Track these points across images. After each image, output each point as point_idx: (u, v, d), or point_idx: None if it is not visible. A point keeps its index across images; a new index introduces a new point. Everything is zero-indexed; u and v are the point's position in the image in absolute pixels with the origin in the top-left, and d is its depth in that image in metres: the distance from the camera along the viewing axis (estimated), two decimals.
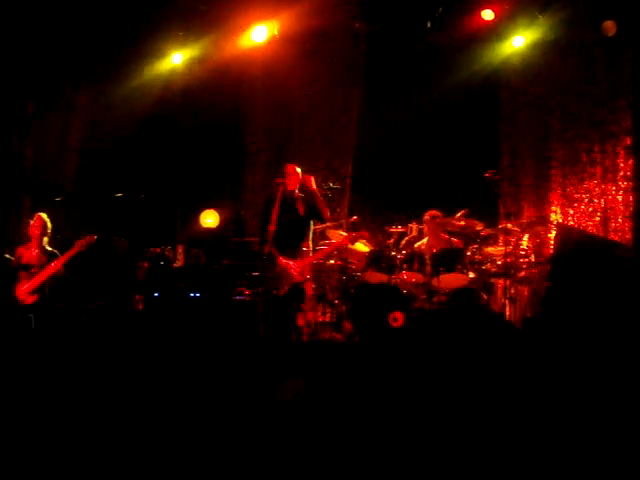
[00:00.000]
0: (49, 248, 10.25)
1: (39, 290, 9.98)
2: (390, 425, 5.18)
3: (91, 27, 12.68)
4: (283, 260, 9.38)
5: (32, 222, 10.29)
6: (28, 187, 12.64)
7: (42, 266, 10.00)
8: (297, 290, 9.43)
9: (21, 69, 12.59)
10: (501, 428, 5.34)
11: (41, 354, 8.57)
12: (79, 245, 10.04)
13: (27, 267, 10.04)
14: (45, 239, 10.28)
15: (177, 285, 11.52)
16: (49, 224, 10.33)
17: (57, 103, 13.23)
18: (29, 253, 10.18)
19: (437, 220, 11.08)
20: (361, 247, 11.27)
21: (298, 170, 9.74)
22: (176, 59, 13.14)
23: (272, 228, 9.35)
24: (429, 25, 12.61)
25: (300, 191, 9.64)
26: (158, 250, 12.25)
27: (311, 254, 9.71)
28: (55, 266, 9.94)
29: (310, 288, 9.68)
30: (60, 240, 10.60)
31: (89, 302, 11.08)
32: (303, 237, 9.61)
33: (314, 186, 9.73)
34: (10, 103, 12.58)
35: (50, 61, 12.83)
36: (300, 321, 9.52)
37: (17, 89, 12.61)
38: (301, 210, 9.57)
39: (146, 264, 12.29)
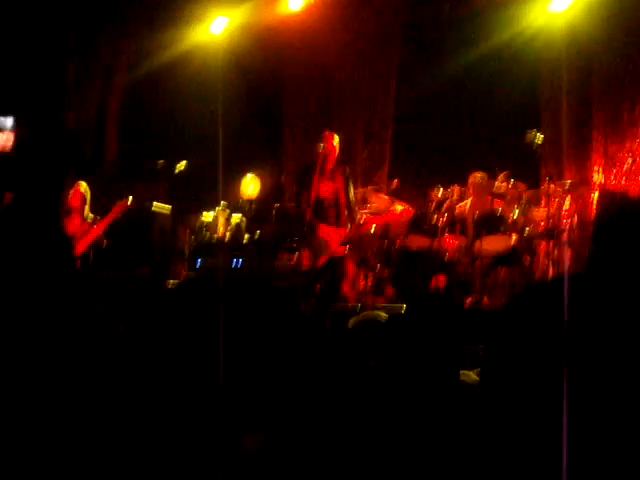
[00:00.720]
0: (91, 216, 10.30)
1: (83, 258, 10.05)
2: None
3: None
4: (324, 229, 9.41)
5: (72, 192, 10.33)
6: (76, 154, 12.70)
7: (84, 234, 10.06)
8: (337, 260, 9.47)
9: (61, 35, 12.64)
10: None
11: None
12: (116, 210, 10.10)
13: (72, 237, 10.11)
14: (86, 208, 10.33)
15: (220, 252, 11.57)
16: (89, 193, 10.37)
17: (97, 69, 13.29)
18: (71, 223, 10.24)
19: (481, 183, 11.02)
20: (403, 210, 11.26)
21: (336, 139, 9.72)
22: (216, 26, 13.12)
23: (313, 195, 9.40)
24: None
25: (339, 162, 9.66)
26: (201, 217, 12.31)
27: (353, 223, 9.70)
28: (95, 232, 10.00)
29: (352, 256, 9.72)
30: (102, 209, 10.66)
31: (133, 270, 11.15)
32: (342, 205, 9.62)
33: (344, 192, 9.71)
34: (51, 69, 12.65)
35: (89, 27, 12.87)
36: (344, 287, 9.56)
37: (57, 55, 12.67)
38: (339, 181, 9.58)
39: (189, 231, 12.35)
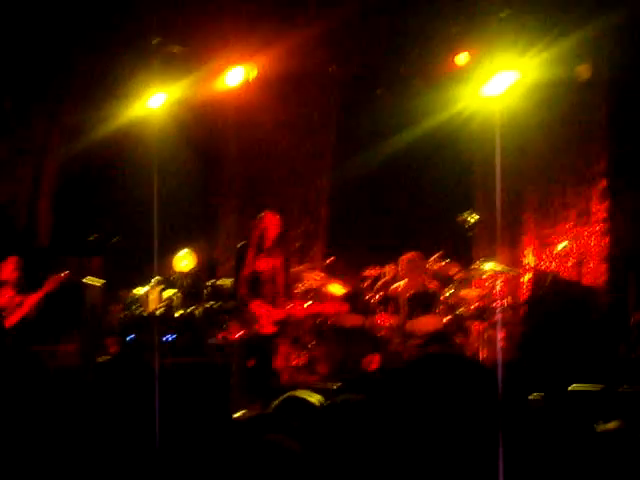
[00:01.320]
0: (21, 290, 10.16)
1: (12, 330, 9.88)
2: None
3: (65, 67, 12.68)
4: (257, 305, 9.37)
5: (3, 266, 10.19)
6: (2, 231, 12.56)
7: (15, 307, 9.91)
8: (268, 337, 9.43)
9: None
10: None
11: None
12: (49, 284, 9.98)
13: (0, 310, 9.95)
14: (16, 282, 10.19)
15: (152, 328, 11.46)
16: (19, 267, 10.25)
17: (29, 144, 13.20)
18: (2, 296, 10.09)
19: (415, 263, 11.08)
20: (337, 289, 11.26)
21: (277, 219, 9.74)
22: (153, 101, 13.12)
23: (247, 270, 9.39)
24: (403, 69, 12.65)
25: (279, 240, 9.67)
26: (132, 292, 12.20)
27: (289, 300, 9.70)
28: (27, 305, 9.85)
29: (288, 331, 9.67)
30: (34, 283, 10.52)
31: (63, 345, 10.98)
32: (279, 283, 9.60)
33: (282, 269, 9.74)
34: None
35: (23, 103, 12.81)
36: (276, 364, 9.49)
37: None
38: (278, 259, 9.59)
39: (121, 307, 12.23)
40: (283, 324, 9.52)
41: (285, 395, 4.99)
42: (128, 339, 11.56)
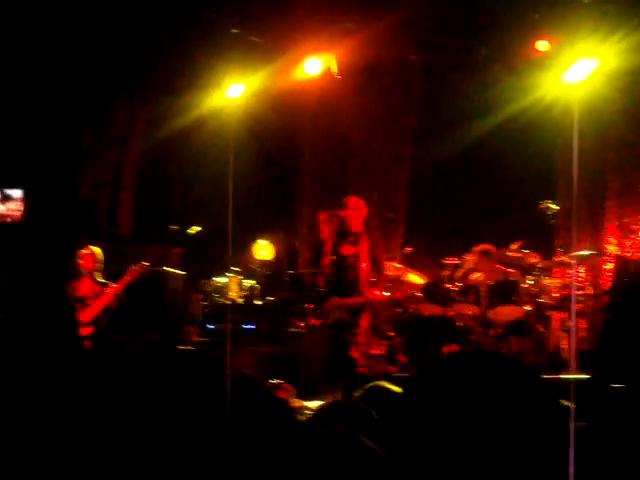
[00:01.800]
0: (102, 280, 10.28)
1: (95, 322, 9.99)
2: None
3: (147, 57, 12.82)
4: (335, 298, 9.33)
5: (84, 255, 10.31)
6: (88, 221, 12.74)
7: (96, 297, 10.02)
8: (350, 323, 9.39)
9: (77, 98, 12.73)
10: None
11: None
12: (132, 273, 10.06)
13: (82, 299, 10.06)
14: (97, 273, 10.30)
15: (232, 317, 11.55)
16: (101, 257, 10.35)
17: (113, 134, 13.38)
18: (83, 286, 10.20)
19: (489, 255, 10.96)
20: (416, 279, 11.24)
21: (362, 203, 9.68)
22: (232, 92, 13.19)
23: (327, 261, 9.37)
24: (483, 53, 12.54)
25: (365, 227, 9.62)
26: (213, 282, 12.30)
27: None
28: (108, 296, 9.96)
29: (366, 320, 9.63)
30: (115, 273, 10.64)
31: (145, 334, 11.11)
32: (362, 272, 9.52)
33: (378, 234, 9.77)
34: (67, 134, 12.72)
35: (107, 92, 12.98)
36: (354, 354, 9.45)
37: (73, 119, 12.76)
38: (364, 245, 9.52)
39: (201, 296, 12.34)
40: (361, 309, 9.47)
41: (370, 384, 4.98)
42: (209, 328, 11.65)
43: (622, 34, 11.78)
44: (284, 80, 12.91)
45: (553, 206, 10.74)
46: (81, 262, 10.27)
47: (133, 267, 10.10)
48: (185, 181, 13.55)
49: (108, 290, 9.98)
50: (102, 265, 10.32)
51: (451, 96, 13.34)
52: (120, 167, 13.52)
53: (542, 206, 10.60)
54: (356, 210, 9.57)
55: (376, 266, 9.61)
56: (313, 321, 9.76)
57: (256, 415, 3.72)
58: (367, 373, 9.54)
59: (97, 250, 10.36)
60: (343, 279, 9.44)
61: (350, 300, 9.40)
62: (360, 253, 9.47)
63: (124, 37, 12.42)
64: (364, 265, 9.47)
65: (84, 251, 10.33)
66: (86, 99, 12.89)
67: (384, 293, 10.18)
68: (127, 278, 10.05)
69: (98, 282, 10.21)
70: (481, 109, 13.03)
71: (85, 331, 9.93)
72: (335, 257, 9.40)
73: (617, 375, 7.94)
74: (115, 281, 10.12)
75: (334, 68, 12.65)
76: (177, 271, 11.85)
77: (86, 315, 9.92)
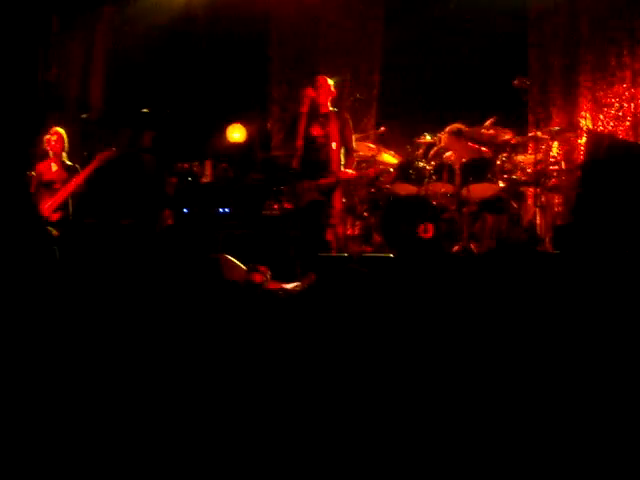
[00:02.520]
0: (69, 163, 10.21)
1: (63, 207, 9.95)
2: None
3: None
4: (307, 180, 9.35)
5: (50, 137, 10.22)
6: (54, 104, 12.61)
7: (64, 182, 9.96)
8: (323, 204, 9.43)
9: None
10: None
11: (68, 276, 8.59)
12: (99, 159, 10.00)
13: (49, 184, 10.00)
14: (64, 154, 10.23)
15: (206, 201, 11.52)
16: (66, 138, 10.27)
17: (81, 18, 13.15)
18: (49, 169, 10.13)
19: (461, 133, 10.93)
20: (389, 158, 11.21)
21: (330, 82, 9.68)
22: None
23: (300, 142, 9.34)
24: None
25: (332, 105, 9.61)
26: (186, 165, 12.23)
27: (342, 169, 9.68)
28: (76, 181, 9.89)
29: (339, 202, 9.68)
30: (85, 156, 10.57)
31: (118, 218, 11.08)
32: (332, 152, 9.55)
33: (347, 114, 9.70)
34: (34, 18, 12.49)
35: None
36: (329, 236, 9.51)
37: (40, 4, 12.52)
38: (333, 125, 9.51)
39: (174, 180, 12.29)
40: (333, 189, 9.50)
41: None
42: (184, 211, 11.64)
43: None
44: None
45: (526, 81, 10.66)
46: (47, 144, 10.18)
47: (102, 153, 10.03)
48: (158, 64, 13.33)
49: (75, 177, 9.91)
50: (67, 146, 10.23)
51: None
52: (90, 49, 13.33)
53: (515, 82, 10.51)
54: (325, 89, 9.55)
55: (345, 146, 9.62)
56: (286, 204, 9.77)
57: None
58: (342, 253, 9.61)
59: (62, 131, 10.26)
60: (314, 160, 9.46)
61: (321, 181, 9.43)
62: (330, 133, 9.48)
63: None
64: (334, 145, 9.48)
65: (50, 134, 10.24)
66: None
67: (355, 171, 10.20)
68: (94, 163, 9.98)
69: (65, 166, 10.14)
70: None
71: (54, 216, 9.89)
72: (305, 138, 9.39)
73: (588, 249, 8.01)
74: (83, 166, 10.06)
75: None
76: (150, 154, 11.77)
77: (54, 200, 9.85)
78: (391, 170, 10.91)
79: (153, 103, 12.34)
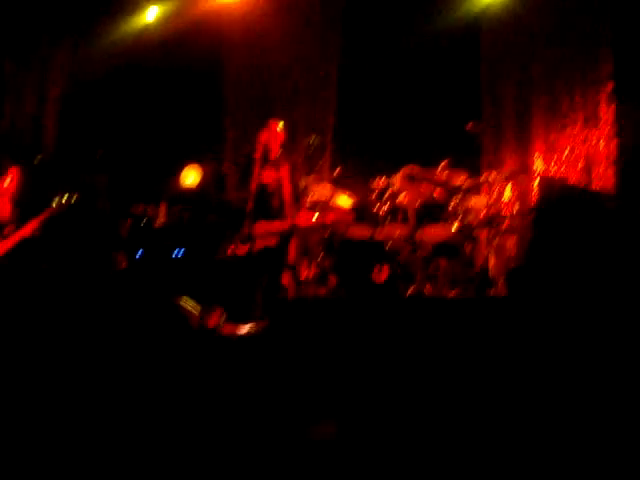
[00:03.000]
0: (22, 207, 10.08)
1: (13, 252, 9.78)
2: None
3: None
4: (261, 224, 9.34)
5: (5, 178, 10.09)
6: (6, 146, 12.53)
7: (16, 226, 9.82)
8: (278, 250, 9.43)
9: None
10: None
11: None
12: (56, 207, 9.88)
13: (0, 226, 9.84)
14: (18, 197, 10.10)
15: (160, 243, 11.48)
16: (22, 180, 10.15)
17: (34, 59, 13.11)
18: (3, 209, 9.98)
19: (414, 176, 11.00)
20: (344, 201, 11.25)
21: (280, 126, 9.69)
22: (151, 13, 13.05)
23: (254, 186, 9.34)
24: None
25: (284, 150, 9.63)
26: (141, 208, 12.18)
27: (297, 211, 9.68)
28: (29, 228, 9.76)
29: (294, 245, 9.69)
30: (40, 199, 10.47)
31: (73, 262, 11.00)
32: (285, 198, 9.55)
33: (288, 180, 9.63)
34: None
35: (25, 18, 12.68)
36: (284, 279, 9.52)
37: None
38: (284, 170, 9.53)
39: (129, 222, 12.23)
40: (289, 236, 9.51)
41: None
42: (137, 255, 11.58)
43: None
44: (207, 1, 12.78)
45: (480, 124, 10.76)
46: (1, 185, 10.04)
47: (54, 204, 9.89)
48: (110, 107, 13.31)
49: (27, 224, 9.76)
50: (22, 188, 10.12)
51: (376, 16, 13.28)
52: (43, 91, 13.28)
53: (469, 126, 10.61)
54: (276, 133, 9.58)
55: (295, 190, 9.63)
56: (241, 248, 9.74)
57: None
58: (297, 296, 9.62)
59: (18, 171, 10.14)
60: (267, 206, 9.46)
61: (276, 226, 9.43)
62: (282, 178, 9.49)
63: None
64: (287, 190, 9.50)
65: (5, 174, 10.11)
66: (3, 28, 12.59)
67: (311, 218, 10.21)
68: (49, 211, 9.86)
69: (18, 208, 10.00)
70: (406, 28, 13.01)
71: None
72: (258, 183, 9.39)
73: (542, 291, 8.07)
74: (39, 210, 9.93)
75: None
76: (103, 197, 11.73)
77: (2, 245, 9.68)
78: (347, 218, 10.93)
79: (107, 145, 12.31)
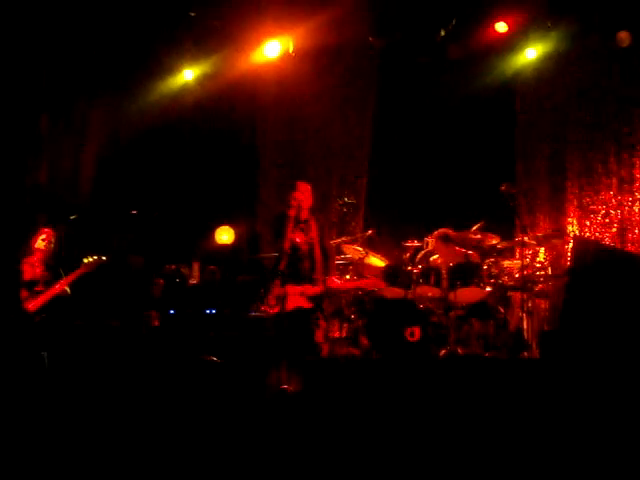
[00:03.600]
0: (53, 265, 10.10)
1: (44, 309, 9.78)
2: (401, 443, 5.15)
3: (104, 41, 12.72)
4: (291, 286, 9.32)
5: (38, 237, 10.15)
6: (43, 204, 12.63)
7: (47, 284, 9.84)
8: (310, 311, 9.44)
9: (34, 84, 12.61)
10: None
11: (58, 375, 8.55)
12: (87, 266, 9.91)
13: (31, 284, 9.87)
14: (50, 256, 10.13)
15: (193, 302, 11.49)
16: (54, 239, 10.21)
17: (71, 118, 13.26)
18: (32, 269, 10.02)
19: (448, 238, 10.99)
20: (377, 262, 11.24)
21: (308, 189, 9.76)
22: (188, 74, 13.18)
23: (287, 245, 9.36)
24: (442, 34, 12.53)
25: (311, 212, 9.68)
26: (174, 267, 12.23)
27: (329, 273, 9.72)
28: (60, 286, 9.79)
29: (327, 304, 9.70)
30: (72, 258, 10.52)
31: (105, 320, 11.03)
32: (317, 259, 9.57)
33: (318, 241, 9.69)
34: (24, 119, 12.60)
35: (64, 75, 12.86)
36: (318, 337, 9.50)
37: (30, 104, 12.63)
38: (314, 232, 9.58)
39: (162, 281, 12.27)
40: (321, 298, 9.52)
41: None
42: (169, 313, 11.59)
43: (576, 15, 11.91)
44: (243, 63, 12.90)
45: (513, 187, 10.74)
46: (34, 244, 10.09)
47: (88, 261, 9.93)
48: (147, 167, 13.42)
49: (60, 281, 9.80)
50: (55, 248, 10.18)
51: (411, 78, 13.37)
52: (79, 151, 13.40)
53: (503, 187, 10.59)
54: (306, 195, 9.65)
55: (324, 253, 9.66)
56: (272, 309, 9.73)
57: None
58: (330, 356, 9.59)
59: (51, 232, 10.21)
60: (299, 268, 9.49)
61: (309, 290, 9.45)
62: (312, 240, 9.54)
63: (79, 23, 12.32)
64: (317, 252, 9.54)
65: (39, 234, 10.17)
66: (43, 85, 12.76)
67: (340, 279, 10.26)
68: (80, 271, 9.89)
69: (50, 267, 10.04)
70: (440, 90, 13.08)
71: (35, 319, 9.72)
72: (291, 244, 9.43)
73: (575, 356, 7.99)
74: (70, 268, 9.97)
75: (292, 50, 12.66)
76: (137, 256, 11.79)
77: (35, 302, 9.70)
78: (380, 285, 10.90)
79: (141, 204, 12.40)
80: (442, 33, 12.58)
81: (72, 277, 9.88)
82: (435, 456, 4.79)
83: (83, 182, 13.33)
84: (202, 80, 13.21)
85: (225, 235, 13.03)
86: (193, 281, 12.23)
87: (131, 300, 11.65)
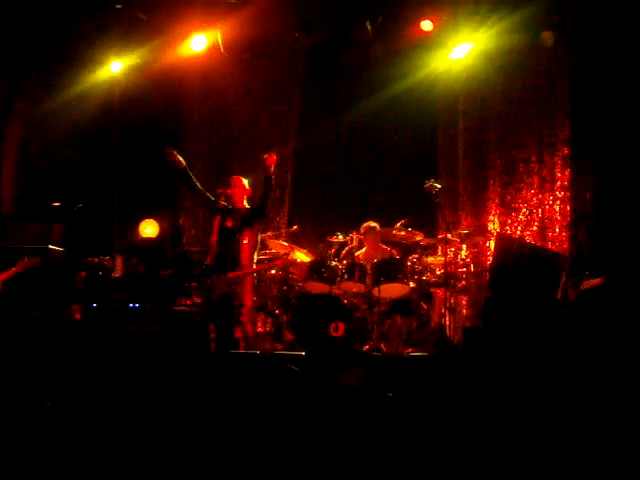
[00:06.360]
0: None
1: None
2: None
3: (28, 32, 12.55)
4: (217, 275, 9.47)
5: None
6: None
7: None
8: (233, 302, 9.51)
9: None
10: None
11: None
12: (21, 265, 9.84)
13: None
14: None
15: (116, 295, 11.40)
16: None
17: None
18: None
19: (375, 231, 11.13)
20: (302, 257, 11.27)
21: (245, 182, 9.99)
22: (115, 67, 13.06)
23: (214, 239, 9.47)
24: (369, 28, 12.55)
25: (248, 204, 9.86)
26: (96, 260, 12.11)
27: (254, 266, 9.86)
28: None
29: (249, 299, 9.75)
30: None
31: (26, 313, 10.90)
32: (244, 248, 9.72)
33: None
34: None
35: None
36: (237, 333, 9.54)
37: None
38: (247, 221, 9.74)
39: (84, 274, 12.14)
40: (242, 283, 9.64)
41: None
42: (92, 306, 11.48)
43: (503, 13, 12.02)
44: (169, 57, 12.83)
45: (436, 184, 10.83)
46: None
47: (22, 261, 9.86)
48: (69, 158, 13.28)
49: None
50: None
51: (336, 75, 13.43)
52: (1, 144, 13.24)
53: (426, 185, 10.68)
54: (240, 188, 9.86)
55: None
56: (197, 299, 9.80)
57: None
58: (252, 350, 9.60)
59: None
60: (226, 253, 9.63)
61: (231, 274, 9.56)
62: (242, 229, 9.69)
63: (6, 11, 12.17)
64: (246, 241, 9.68)
65: None
66: None
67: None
68: (14, 270, 9.82)
69: None
70: (366, 89, 13.15)
71: None
72: (218, 237, 9.58)
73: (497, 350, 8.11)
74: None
75: (220, 44, 12.62)
76: (60, 249, 11.64)
77: None
78: (298, 260, 10.99)
79: (64, 197, 12.25)
80: (368, 27, 12.57)
81: (5, 276, 9.80)
82: (329, 454, 4.83)
83: (5, 174, 13.17)
84: (129, 73, 13.10)
85: (149, 228, 12.95)
86: (116, 274, 12.13)
87: (53, 293, 11.52)
